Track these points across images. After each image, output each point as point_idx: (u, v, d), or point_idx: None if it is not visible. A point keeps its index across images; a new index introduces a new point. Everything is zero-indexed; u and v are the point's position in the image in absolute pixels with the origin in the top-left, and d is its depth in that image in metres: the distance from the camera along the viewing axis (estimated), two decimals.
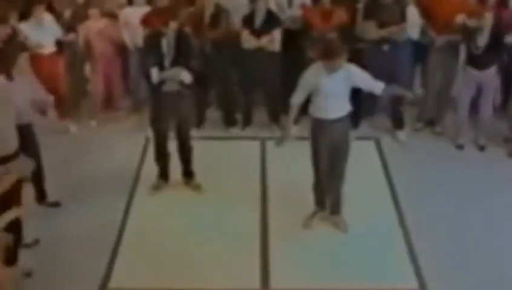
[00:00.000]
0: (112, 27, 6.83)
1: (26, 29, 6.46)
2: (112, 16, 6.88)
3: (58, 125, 6.71)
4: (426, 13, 6.57)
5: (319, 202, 5.41)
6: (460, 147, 6.60)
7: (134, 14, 6.71)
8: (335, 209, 5.37)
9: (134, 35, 6.71)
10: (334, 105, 4.93)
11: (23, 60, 5.04)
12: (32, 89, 5.23)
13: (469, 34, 6.21)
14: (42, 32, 6.52)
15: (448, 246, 5.18)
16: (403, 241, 5.25)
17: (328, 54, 4.75)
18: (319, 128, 5.03)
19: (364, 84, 4.95)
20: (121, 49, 6.97)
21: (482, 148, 6.58)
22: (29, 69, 5.22)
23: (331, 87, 4.84)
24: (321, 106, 4.94)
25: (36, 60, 6.41)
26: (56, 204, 5.67)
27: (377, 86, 4.95)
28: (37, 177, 5.48)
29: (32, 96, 5.15)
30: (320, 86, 4.86)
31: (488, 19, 6.10)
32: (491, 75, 6.29)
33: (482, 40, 6.14)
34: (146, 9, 6.71)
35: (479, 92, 6.39)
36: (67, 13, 6.87)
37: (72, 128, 6.99)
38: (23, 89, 4.92)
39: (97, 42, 6.80)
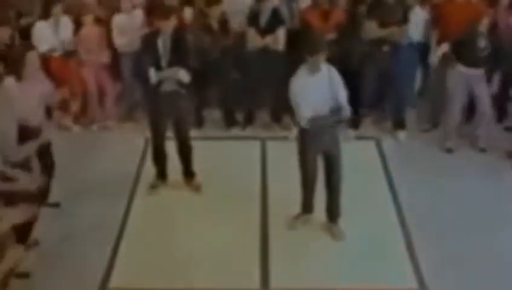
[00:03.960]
0: (104, 33, 6.82)
1: (43, 28, 6.47)
2: (103, 21, 6.87)
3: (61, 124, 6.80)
4: (437, 20, 6.59)
5: (306, 205, 5.40)
6: (449, 150, 6.56)
7: (127, 19, 6.71)
8: (332, 219, 5.34)
9: (130, 40, 6.67)
10: (322, 109, 4.86)
11: (32, 58, 5.02)
12: (42, 87, 5.22)
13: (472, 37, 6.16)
14: (57, 33, 6.54)
15: (448, 246, 5.18)
16: (403, 241, 5.25)
17: (313, 50, 4.72)
18: (308, 134, 4.98)
19: (340, 94, 4.82)
20: (114, 54, 6.94)
21: (482, 150, 6.56)
22: (38, 66, 5.19)
23: (317, 89, 4.78)
24: (311, 111, 4.87)
25: (47, 63, 6.44)
26: (56, 205, 5.66)
27: (346, 106, 4.83)
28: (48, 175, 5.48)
29: (43, 94, 5.15)
30: (308, 90, 4.79)
31: (484, 24, 6.08)
32: (480, 74, 6.24)
33: (482, 41, 6.13)
34: (138, 12, 6.72)
35: (471, 94, 6.36)
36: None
37: (75, 128, 7.01)
38: (32, 90, 4.93)
39: (92, 47, 6.77)
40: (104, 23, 6.89)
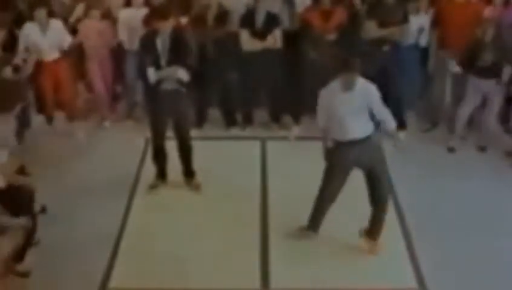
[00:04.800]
0: (110, 29, 6.79)
1: (30, 30, 6.36)
2: (110, 17, 6.84)
3: (65, 129, 6.77)
4: (437, 21, 6.57)
5: (313, 224, 5.22)
6: (451, 149, 6.57)
7: (134, 15, 6.67)
8: (373, 236, 5.10)
9: (134, 37, 6.59)
10: (354, 125, 4.71)
11: None
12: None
13: (478, 49, 6.11)
14: (47, 37, 6.41)
15: (448, 246, 5.18)
16: (404, 241, 5.25)
17: (349, 66, 4.56)
18: (338, 151, 4.82)
19: (379, 111, 4.73)
20: (117, 52, 6.93)
21: (482, 149, 6.57)
22: None
23: (348, 105, 4.64)
24: (339, 126, 4.74)
25: (39, 67, 6.45)
26: (42, 211, 5.55)
27: (391, 121, 4.78)
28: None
29: None
30: (336, 105, 4.68)
31: (489, 33, 6.04)
32: (496, 85, 6.19)
33: (488, 53, 6.08)
34: (144, 10, 6.69)
35: (484, 102, 6.34)
36: (72, 18, 6.85)
37: (80, 134, 6.89)
38: None
39: (96, 42, 6.75)
40: (112, 18, 6.85)
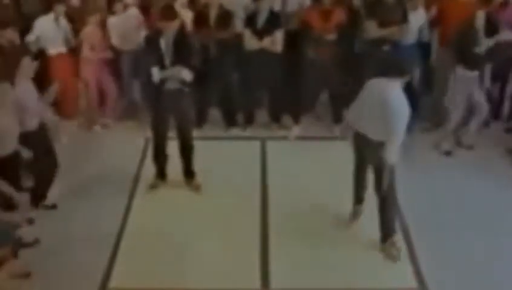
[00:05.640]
0: (106, 33, 6.83)
1: (43, 24, 6.58)
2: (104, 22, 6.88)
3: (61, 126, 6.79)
4: (440, 20, 6.59)
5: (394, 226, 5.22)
6: (448, 153, 6.55)
7: (122, 20, 6.74)
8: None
9: (127, 40, 6.73)
10: None
11: (26, 63, 5.03)
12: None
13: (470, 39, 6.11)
14: (59, 31, 6.69)
15: (448, 246, 5.18)
16: (404, 241, 5.25)
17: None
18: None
19: None
20: (114, 55, 6.96)
21: (469, 147, 6.57)
22: (32, 72, 5.17)
23: None
24: None
25: (47, 61, 6.59)
26: (53, 207, 5.65)
27: None
28: (48, 178, 5.57)
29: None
30: None
31: (480, 18, 6.02)
32: (477, 76, 6.20)
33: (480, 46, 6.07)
34: (132, 12, 6.76)
35: (471, 94, 6.35)
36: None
37: (63, 139, 6.80)
38: (29, 91, 4.94)
39: (98, 47, 6.78)
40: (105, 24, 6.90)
